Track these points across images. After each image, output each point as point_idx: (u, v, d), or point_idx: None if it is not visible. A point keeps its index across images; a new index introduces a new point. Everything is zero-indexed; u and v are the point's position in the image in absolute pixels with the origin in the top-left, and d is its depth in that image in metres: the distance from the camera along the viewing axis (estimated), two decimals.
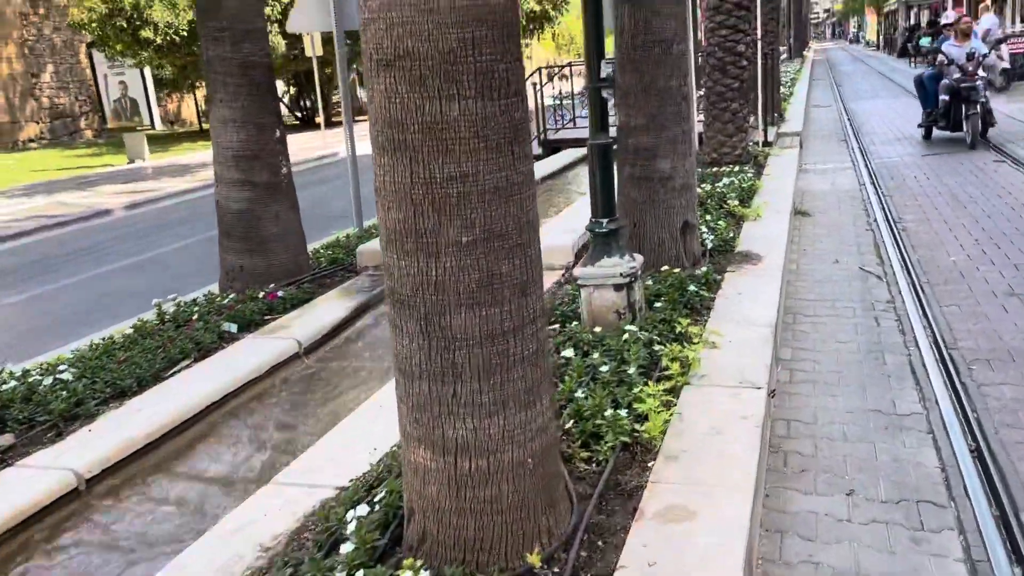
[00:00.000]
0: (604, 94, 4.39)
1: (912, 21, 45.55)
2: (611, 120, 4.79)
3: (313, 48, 21.86)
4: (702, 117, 9.97)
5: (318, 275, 6.70)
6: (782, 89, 18.82)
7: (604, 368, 3.80)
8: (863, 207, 8.69)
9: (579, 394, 3.60)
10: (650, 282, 4.99)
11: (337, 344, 5.57)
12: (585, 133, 4.73)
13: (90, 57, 22.11)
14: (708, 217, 6.75)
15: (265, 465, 4.04)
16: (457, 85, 2.23)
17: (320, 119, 23.37)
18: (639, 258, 4.65)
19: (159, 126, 23.42)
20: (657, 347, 4.13)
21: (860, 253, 6.92)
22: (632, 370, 3.78)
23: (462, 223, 2.31)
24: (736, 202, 7.41)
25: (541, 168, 11.05)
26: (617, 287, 4.48)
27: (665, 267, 5.28)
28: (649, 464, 3.17)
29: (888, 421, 3.95)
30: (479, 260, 2.34)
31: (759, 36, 10.81)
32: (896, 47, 40.93)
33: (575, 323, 4.60)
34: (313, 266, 6.94)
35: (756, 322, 4.59)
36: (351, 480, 3.32)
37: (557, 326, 4.62)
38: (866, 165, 11.08)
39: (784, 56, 33.66)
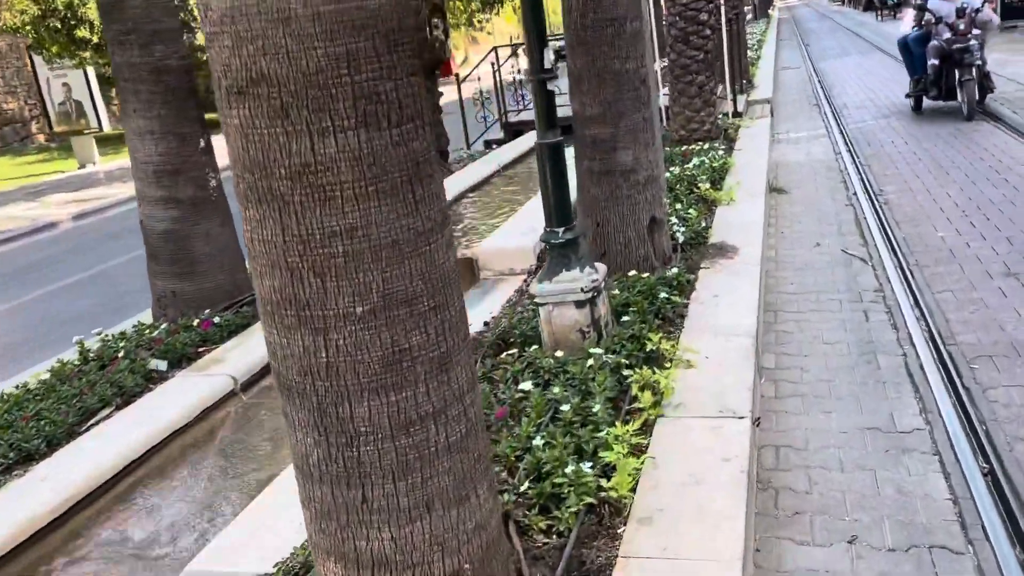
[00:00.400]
0: (550, 86, 3.86)
1: None
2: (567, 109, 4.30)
3: None
4: (667, 91, 9.45)
5: None
6: (749, 53, 18.32)
7: (566, 407, 3.31)
8: (841, 179, 8.24)
9: (537, 441, 3.12)
10: (617, 291, 4.51)
11: None
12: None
13: (31, 60, 21.16)
14: (678, 206, 6.27)
15: (183, 539, 3.54)
16: (331, 115, 1.72)
17: None
18: (601, 268, 4.15)
19: (108, 127, 22.51)
20: (626, 372, 3.65)
21: (841, 233, 6.47)
22: (598, 407, 3.30)
23: (354, 289, 1.81)
24: (707, 185, 6.92)
25: (501, 155, 10.50)
26: (579, 304, 3.99)
27: (633, 272, 4.80)
28: (619, 530, 2.70)
29: (888, 441, 3.51)
30: (380, 334, 1.84)
31: (722, 1, 10.28)
32: (862, 1, 40.48)
33: (535, 346, 4.11)
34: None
35: (735, 331, 4.12)
36: (276, 565, 2.84)
37: (515, 351, 4.13)
38: (840, 131, 10.63)
39: (749, 17, 33.14)
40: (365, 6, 1.71)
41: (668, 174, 7.17)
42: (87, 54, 17.98)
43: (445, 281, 1.94)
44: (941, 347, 4.24)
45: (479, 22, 39.67)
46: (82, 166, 21.72)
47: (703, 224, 5.89)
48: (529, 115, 12.96)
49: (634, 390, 3.54)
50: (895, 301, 4.94)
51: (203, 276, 5.84)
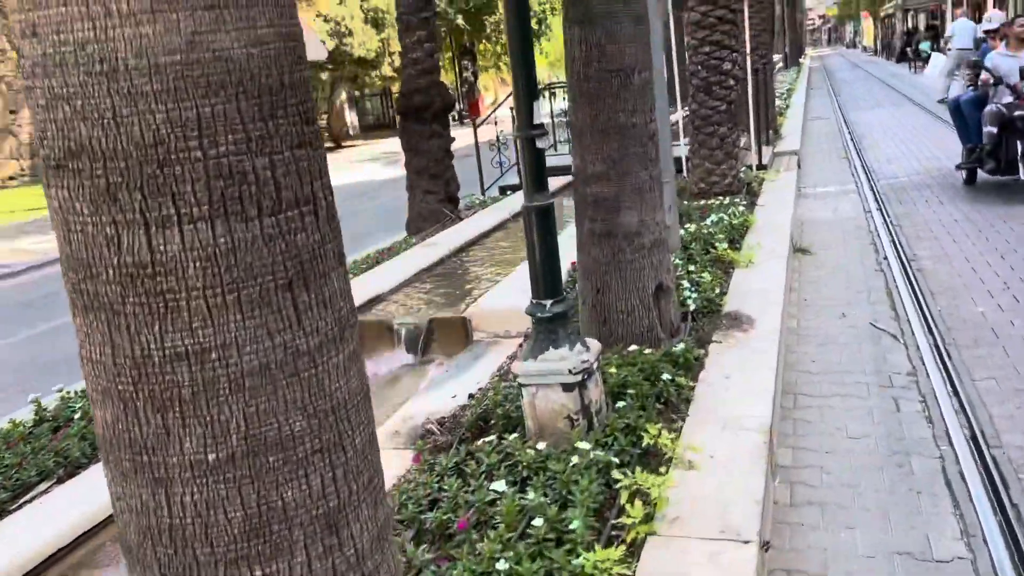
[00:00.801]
0: (539, 143, 3.43)
1: (910, 24, 44.77)
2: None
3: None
4: (686, 142, 9.02)
5: None
6: (778, 102, 17.92)
7: (539, 522, 2.82)
8: (870, 240, 7.71)
9: (501, 565, 2.63)
10: (614, 368, 4.02)
11: None
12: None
13: None
14: (691, 268, 5.78)
15: None
16: (175, 200, 1.28)
17: None
18: (594, 346, 3.67)
19: None
20: (616, 473, 3.15)
21: (870, 303, 5.94)
22: (577, 523, 2.80)
23: (205, 430, 1.35)
24: (725, 245, 6.44)
25: (512, 203, 10.10)
26: (566, 387, 3.51)
27: (634, 346, 4.31)
28: None
29: (923, 573, 2.96)
30: (241, 488, 1.38)
31: (748, 50, 9.88)
32: (895, 52, 40.10)
33: (515, 435, 3.62)
34: None
35: (746, 423, 3.61)
36: None
37: (493, 438, 3.65)
38: (871, 186, 10.12)
39: (780, 65, 32.83)
40: (226, 56, 1.28)
41: (683, 231, 6.71)
42: None
43: (340, 413, 1.48)
44: (984, 450, 3.69)
45: (508, 64, 39.97)
46: None
47: (717, 290, 5.39)
48: (551, 160, 12.59)
49: (623, 498, 3.03)
50: (930, 388, 4.40)
51: None
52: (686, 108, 9.36)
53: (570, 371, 3.48)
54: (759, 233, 7.11)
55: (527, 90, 3.39)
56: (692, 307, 5.08)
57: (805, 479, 3.66)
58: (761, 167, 10.66)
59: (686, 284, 5.41)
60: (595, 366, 3.61)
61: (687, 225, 6.99)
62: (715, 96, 8.31)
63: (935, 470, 3.62)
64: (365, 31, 29.57)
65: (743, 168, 9.76)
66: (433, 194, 9.53)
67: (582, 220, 4.57)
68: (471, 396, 4.46)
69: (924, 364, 4.72)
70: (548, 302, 3.56)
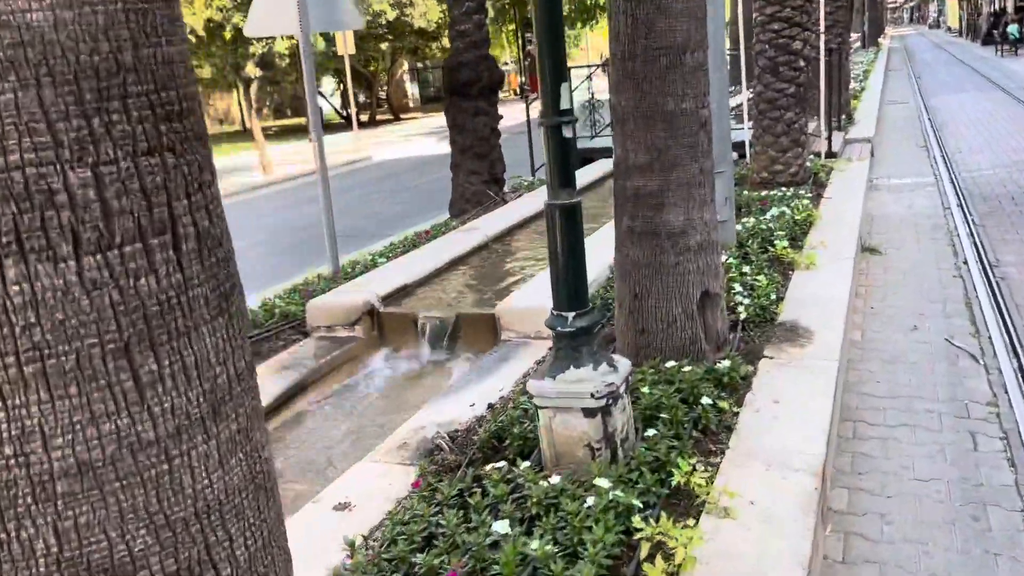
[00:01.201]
0: (567, 132, 2.97)
1: (997, 5, 42.39)
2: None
3: (345, 45, 20.86)
4: (750, 126, 8.40)
5: (255, 339, 5.43)
6: (852, 84, 16.98)
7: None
8: (949, 241, 7.04)
9: None
10: (646, 388, 3.56)
11: None
12: None
13: None
14: (746, 269, 5.26)
15: None
16: None
17: (354, 116, 22.31)
18: (623, 366, 3.22)
19: None
20: (637, 520, 2.72)
21: (946, 315, 5.34)
22: None
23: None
24: (785, 243, 5.88)
25: None
26: (588, 412, 3.07)
27: (672, 362, 3.84)
28: None
29: None
30: None
31: (822, 28, 9.16)
32: (981, 34, 38.05)
33: (528, 462, 3.20)
34: (255, 326, 5.69)
35: (794, 462, 3.13)
36: None
37: (504, 464, 3.23)
38: (951, 180, 9.35)
39: (857, 45, 31.39)
40: (20, 22, 0.87)
41: (739, 226, 6.16)
42: None
43: (211, 519, 1.08)
44: None
45: (573, 38, 39.01)
46: None
47: (773, 296, 4.86)
48: (603, 141, 12.02)
49: (643, 551, 2.60)
50: (1014, 424, 3.84)
51: None
52: (751, 90, 8.72)
53: (592, 395, 3.04)
54: (824, 230, 6.51)
55: (554, 70, 2.93)
56: (743, 315, 4.57)
57: (862, 529, 3.17)
58: (831, 155, 9.97)
59: (738, 288, 4.90)
60: (623, 389, 3.16)
61: (744, 219, 6.44)
62: (782, 78, 7.68)
63: (1018, 528, 3.09)
64: (426, 1, 29.15)
65: (810, 156, 9.10)
66: (477, 175, 9.11)
67: (621, 216, 4.10)
68: (490, 406, 4.07)
69: (1007, 393, 4.14)
70: (570, 315, 3.11)
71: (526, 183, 10.38)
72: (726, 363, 3.84)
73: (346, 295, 5.61)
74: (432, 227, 8.65)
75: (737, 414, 3.52)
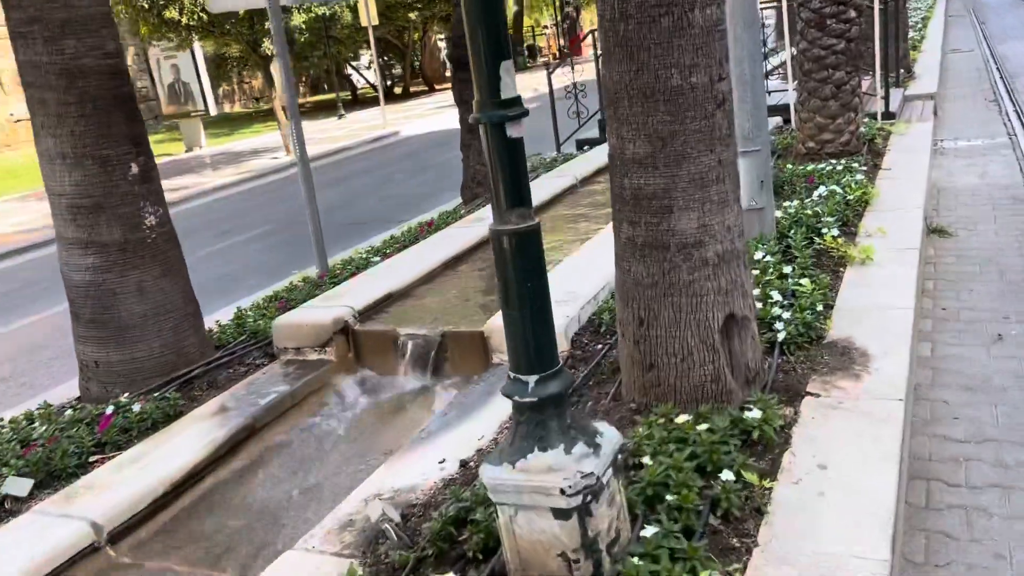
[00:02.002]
0: (513, 131, 2.12)
1: None
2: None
3: (368, 17, 20.02)
4: (795, 87, 7.36)
5: (214, 365, 4.70)
6: (910, 33, 15.58)
7: None
8: None
9: None
10: (649, 458, 2.72)
11: (175, 516, 3.57)
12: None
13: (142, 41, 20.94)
14: (786, 270, 4.34)
15: None
16: None
17: (391, 89, 21.45)
18: (608, 441, 2.38)
19: (214, 110, 22.08)
20: None
21: None
22: None
23: None
24: (835, 231, 4.93)
25: (583, 164, 8.69)
26: (560, 512, 2.25)
27: (684, 416, 2.98)
28: None
29: None
30: None
31: None
32: None
33: (488, 568, 2.40)
34: (220, 345, 4.97)
35: (847, 566, 2.27)
36: None
37: (463, 564, 2.44)
38: None
39: None
40: None
41: (779, 213, 5.21)
42: (181, 36, 17.32)
43: None
44: None
45: None
46: (188, 149, 21.46)
47: (820, 306, 3.95)
48: None
49: None
50: None
51: (134, 342, 4.47)
52: (795, 47, 7.65)
53: (564, 491, 2.21)
54: (882, 211, 5.53)
55: (490, 46, 2.07)
56: (782, 335, 3.68)
57: None
58: (888, 115, 8.86)
59: (776, 296, 4.00)
60: (608, 475, 2.33)
61: (786, 203, 5.48)
62: (830, 32, 6.63)
63: None
64: None
65: (864, 119, 8.02)
66: None
67: (619, 223, 3.24)
68: (463, 464, 3.27)
69: None
70: (531, 379, 2.28)
71: (546, 160, 9.47)
72: (756, 413, 2.97)
73: (316, 311, 4.84)
74: (439, 215, 7.85)
75: (769, 492, 2.66)
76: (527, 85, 23.55)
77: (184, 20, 16.44)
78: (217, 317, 5.64)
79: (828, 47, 6.64)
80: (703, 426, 2.86)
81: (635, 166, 3.09)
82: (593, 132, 10.76)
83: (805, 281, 4.16)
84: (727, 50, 3.07)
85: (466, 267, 5.72)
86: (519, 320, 2.24)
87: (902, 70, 11.24)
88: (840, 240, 4.86)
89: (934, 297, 4.78)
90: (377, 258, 6.36)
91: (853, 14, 6.60)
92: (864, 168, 6.44)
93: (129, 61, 29.17)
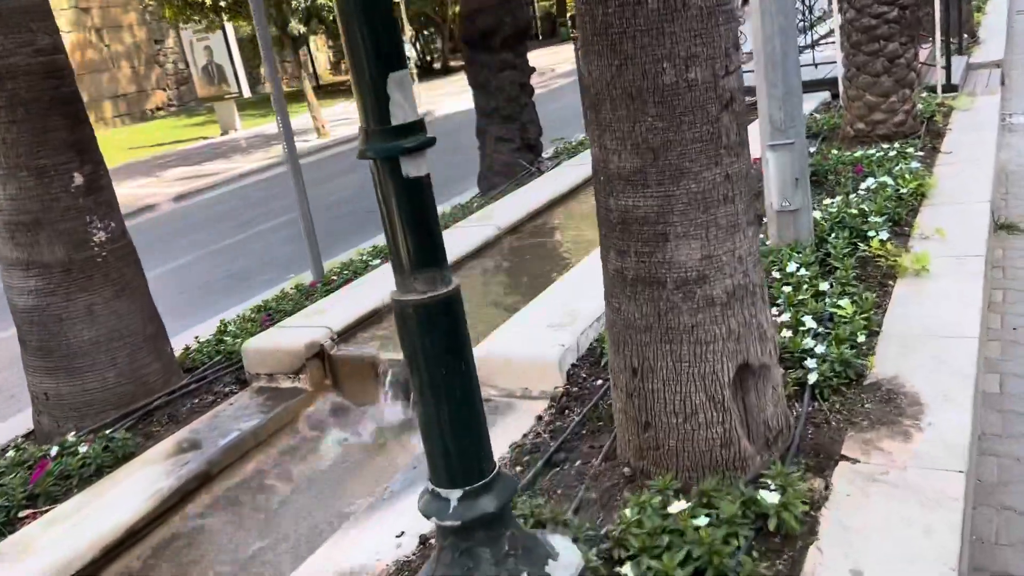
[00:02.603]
0: (411, 168, 1.54)
1: None
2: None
3: None
4: (842, 59, 6.58)
5: (178, 394, 4.24)
6: None
7: None
8: None
9: None
10: (630, 568, 2.15)
11: None
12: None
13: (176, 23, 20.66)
14: (824, 287, 3.68)
15: None
16: None
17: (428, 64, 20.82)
18: (566, 565, 1.82)
19: (247, 92, 21.72)
20: None
21: None
22: None
23: None
24: (884, 234, 4.24)
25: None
26: None
27: (680, 504, 2.39)
28: None
29: None
30: None
31: None
32: None
33: None
34: (191, 368, 4.52)
35: None
36: None
37: None
38: None
39: None
40: None
41: (818, 213, 4.52)
42: (209, 18, 16.95)
43: None
44: None
45: None
46: (224, 132, 21.21)
47: (862, 336, 3.30)
48: None
49: None
50: None
51: (84, 372, 4.03)
52: (843, 13, 6.84)
53: None
54: (940, 205, 4.81)
55: (373, 51, 1.49)
56: (812, 377, 3.05)
57: None
58: (949, 88, 7.99)
59: (809, 323, 3.36)
60: None
61: (827, 201, 4.78)
62: None
63: None
64: None
65: (922, 94, 7.20)
66: (507, 142, 7.64)
67: (606, 251, 2.64)
68: (423, 541, 2.74)
69: None
70: (455, 495, 1.72)
71: (569, 146, 8.82)
72: (774, 496, 2.36)
73: (290, 333, 4.33)
74: (451, 209, 7.29)
75: None
76: (565, 58, 22.72)
77: (209, 2, 16.03)
78: (207, 327, 5.22)
79: (879, 15, 5.86)
80: (703, 519, 2.26)
81: (621, 183, 2.48)
82: None
83: (845, 302, 3.50)
84: (736, 36, 2.43)
85: (470, 273, 5.17)
86: (434, 417, 1.68)
87: (965, 35, 10.25)
88: (890, 245, 4.18)
89: (1003, 312, 4.08)
90: (377, 261, 5.85)
91: None
92: (921, 153, 5.68)
93: (170, 44, 29.16)
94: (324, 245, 8.28)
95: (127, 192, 14.71)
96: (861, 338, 3.28)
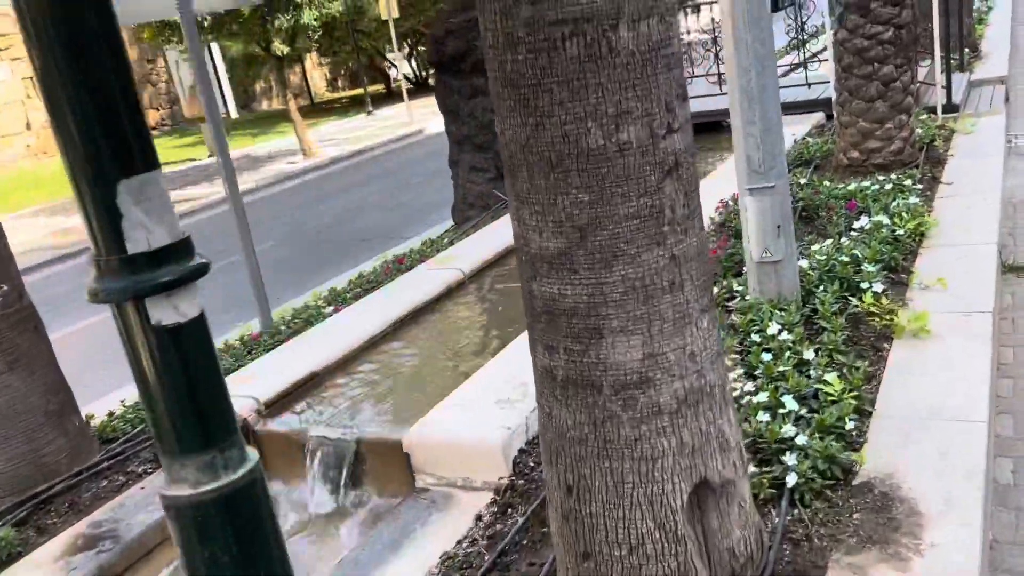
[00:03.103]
0: (162, 314, 1.07)
1: None
2: None
3: (388, 9, 19.07)
4: (834, 83, 6.11)
5: (86, 475, 3.76)
6: (976, 3, 13.96)
7: None
8: None
9: None
10: None
11: None
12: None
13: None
14: (809, 355, 3.20)
15: None
16: None
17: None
18: None
19: (235, 113, 21.37)
20: None
21: None
22: None
23: None
24: (879, 285, 3.77)
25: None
26: None
27: None
28: None
29: None
30: None
31: None
32: None
33: None
34: (110, 439, 4.05)
35: None
36: None
37: None
38: None
39: None
40: None
41: (805, 262, 4.05)
42: (177, 39, 16.55)
43: None
44: None
45: None
46: (212, 153, 20.80)
47: (850, 421, 2.82)
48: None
49: None
50: None
51: None
52: (835, 32, 6.38)
53: None
54: (942, 247, 4.34)
55: (94, 149, 1.02)
56: (792, 478, 2.56)
57: None
58: (950, 108, 7.52)
59: (789, 403, 2.88)
60: None
61: (816, 247, 4.30)
62: (875, 18, 5.38)
63: None
64: None
65: (922, 117, 6.74)
66: (481, 171, 7.19)
67: (534, 343, 2.17)
68: None
69: None
70: None
71: None
72: None
73: None
74: (421, 244, 6.83)
75: None
76: None
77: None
78: None
79: (873, 36, 5.40)
80: None
81: (545, 266, 2.01)
82: None
83: (832, 376, 3.02)
84: (681, 84, 1.96)
85: (417, 331, 4.68)
86: None
87: (967, 50, 9.79)
88: (885, 299, 3.70)
89: (1014, 377, 3.59)
90: (330, 308, 5.38)
91: None
92: (919, 186, 5.20)
93: (163, 63, 28.84)
94: (303, 272, 7.84)
95: (76, 225, 14.32)
96: (850, 424, 2.80)
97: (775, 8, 3.76)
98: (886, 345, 3.42)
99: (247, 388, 3.92)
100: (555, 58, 1.82)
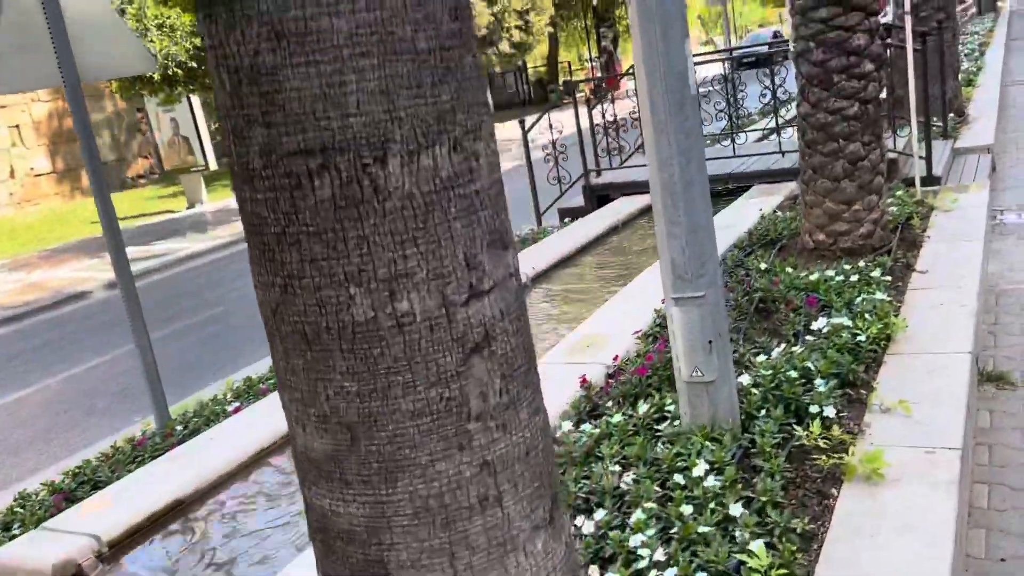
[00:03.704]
0: None
1: None
2: None
3: None
4: (797, 160, 5.64)
5: None
6: (965, 64, 13.68)
7: None
8: None
9: None
10: None
11: None
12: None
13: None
14: (736, 511, 2.64)
15: None
16: None
17: None
18: None
19: (214, 164, 21.07)
20: None
21: None
22: None
23: None
24: (830, 409, 3.23)
25: (557, 244, 7.06)
26: None
27: None
28: None
29: None
30: None
31: (908, 6, 6.28)
32: None
33: None
34: None
35: None
36: None
37: None
38: None
39: (972, 11, 27.25)
40: None
41: (746, 378, 3.50)
42: (147, 91, 16.30)
43: None
44: None
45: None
46: (191, 205, 20.43)
47: None
48: (618, 175, 9.30)
49: None
50: None
51: None
52: (798, 107, 5.91)
53: None
54: (909, 355, 3.80)
55: None
56: None
57: None
58: (930, 180, 7.06)
59: None
60: None
61: (762, 357, 3.77)
62: (839, 92, 4.92)
63: None
64: (476, 5, 27.01)
65: (899, 191, 6.27)
66: None
67: (320, 567, 1.61)
68: None
69: None
70: None
71: (518, 237, 7.85)
72: None
73: (46, 541, 3.29)
74: None
75: None
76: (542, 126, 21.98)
77: (158, 76, 15.35)
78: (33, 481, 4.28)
79: (837, 111, 4.94)
80: None
81: (313, 471, 1.47)
82: (577, 200, 9.12)
83: (758, 547, 2.46)
84: (497, 228, 1.44)
85: None
86: None
87: (951, 114, 9.38)
88: (837, 428, 3.15)
89: (987, 526, 3.02)
90: (235, 404, 4.83)
91: (870, 67, 4.89)
92: (888, 277, 4.68)
93: (140, 117, 28.72)
94: (240, 350, 7.30)
95: (66, 275, 13.84)
96: None
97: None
98: (834, 491, 2.86)
99: (89, 521, 3.35)
100: (300, 201, 1.30)
